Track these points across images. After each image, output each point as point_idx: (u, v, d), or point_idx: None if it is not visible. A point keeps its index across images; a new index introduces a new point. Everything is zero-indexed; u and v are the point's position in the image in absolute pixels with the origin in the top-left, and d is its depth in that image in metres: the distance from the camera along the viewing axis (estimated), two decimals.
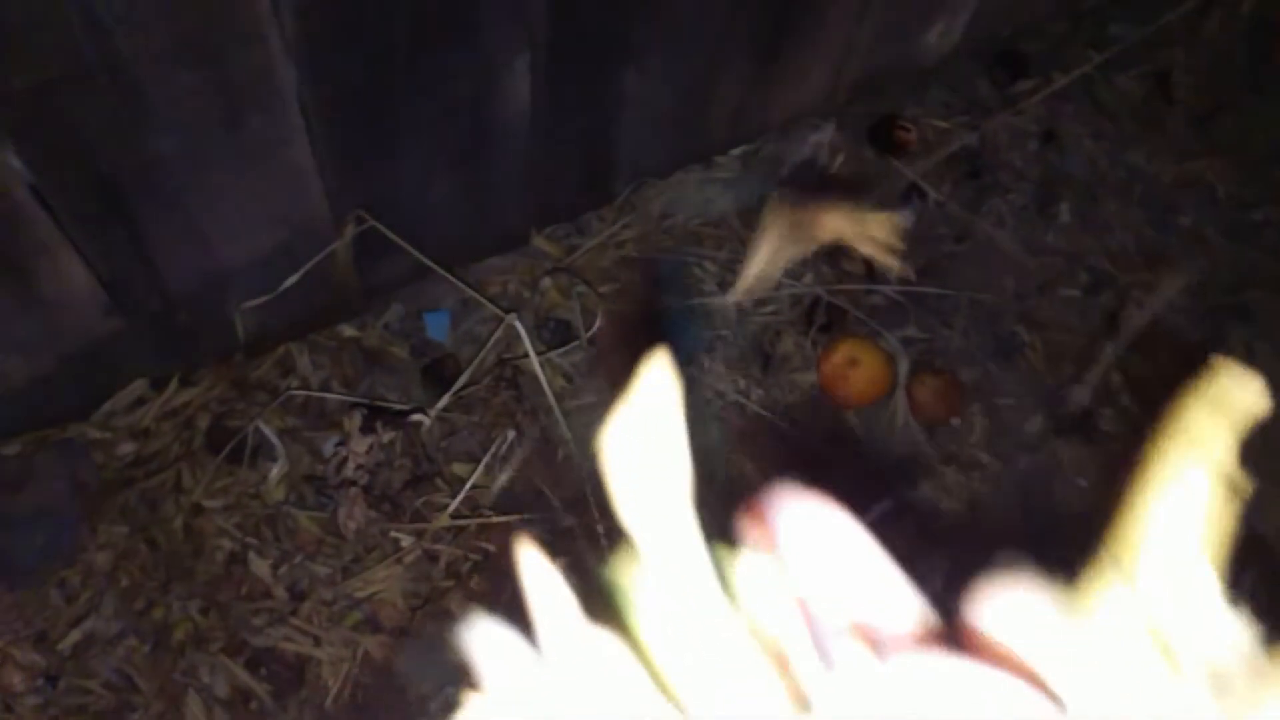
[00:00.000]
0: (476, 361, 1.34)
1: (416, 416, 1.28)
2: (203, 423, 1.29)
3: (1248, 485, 0.22)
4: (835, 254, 1.46)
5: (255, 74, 0.97)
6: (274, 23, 0.93)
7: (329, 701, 1.19)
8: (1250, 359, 1.42)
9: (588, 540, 1.25)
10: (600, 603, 0.25)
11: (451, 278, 1.34)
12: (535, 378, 1.29)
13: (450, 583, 1.24)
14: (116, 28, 0.86)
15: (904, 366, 1.39)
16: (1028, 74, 1.62)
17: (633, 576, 0.25)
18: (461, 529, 1.26)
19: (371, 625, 1.23)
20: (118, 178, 0.99)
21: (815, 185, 1.31)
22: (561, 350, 1.36)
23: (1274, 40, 1.67)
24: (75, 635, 1.20)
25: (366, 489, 1.26)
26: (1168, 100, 1.63)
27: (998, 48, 1.63)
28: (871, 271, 1.46)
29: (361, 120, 1.10)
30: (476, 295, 1.37)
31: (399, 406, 1.31)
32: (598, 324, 1.35)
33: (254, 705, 1.18)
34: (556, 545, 1.26)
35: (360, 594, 1.23)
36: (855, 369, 1.35)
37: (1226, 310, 1.47)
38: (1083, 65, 1.62)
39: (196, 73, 0.94)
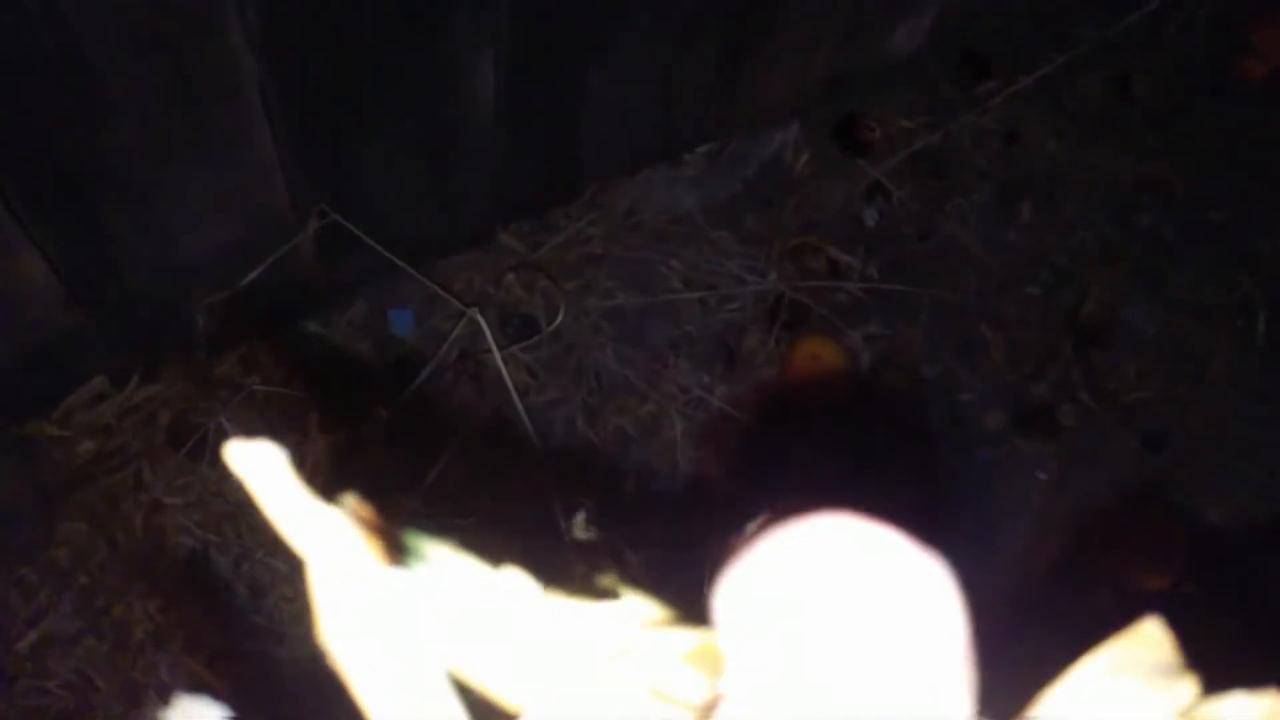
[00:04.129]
0: (439, 356, 1.33)
1: (376, 412, 1.28)
2: (164, 419, 1.28)
3: None
4: (799, 251, 1.47)
5: (216, 66, 0.96)
6: (235, 14, 0.93)
7: (291, 699, 1.18)
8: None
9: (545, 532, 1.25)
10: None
11: (416, 274, 1.34)
12: (498, 373, 1.29)
13: None
14: (73, 15, 0.85)
15: (864, 362, 1.40)
16: (991, 75, 1.63)
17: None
18: (421, 523, 1.26)
19: None
20: (76, 169, 0.98)
21: None
22: (524, 345, 1.36)
23: (1232, 43, 1.69)
24: (33, 635, 1.18)
25: (326, 485, 1.26)
26: (1129, 101, 1.65)
27: (962, 49, 1.64)
28: (835, 269, 1.46)
29: (325, 114, 1.09)
30: (440, 291, 1.36)
31: (359, 402, 1.30)
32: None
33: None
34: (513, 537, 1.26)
35: None
36: (816, 365, 1.37)
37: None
38: (1045, 66, 1.63)
39: (156, 63, 0.93)
